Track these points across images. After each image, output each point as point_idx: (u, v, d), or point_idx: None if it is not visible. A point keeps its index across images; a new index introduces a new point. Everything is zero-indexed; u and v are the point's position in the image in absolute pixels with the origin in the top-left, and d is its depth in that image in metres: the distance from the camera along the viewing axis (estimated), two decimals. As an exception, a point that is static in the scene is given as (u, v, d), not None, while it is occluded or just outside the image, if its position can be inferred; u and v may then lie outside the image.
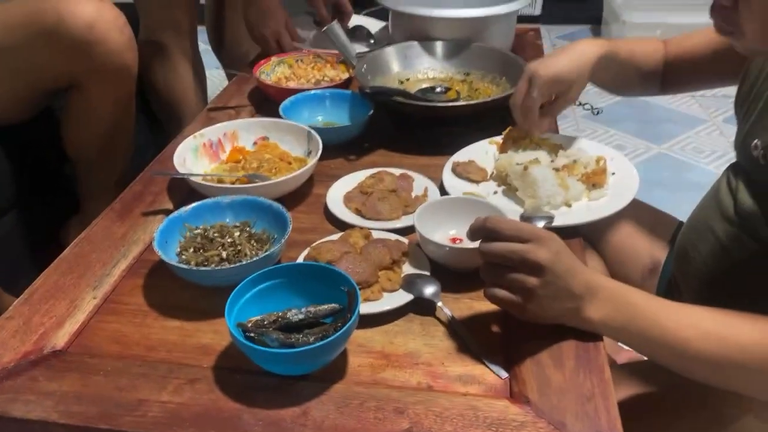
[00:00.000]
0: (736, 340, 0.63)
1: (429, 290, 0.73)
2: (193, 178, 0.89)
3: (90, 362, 0.67)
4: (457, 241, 0.81)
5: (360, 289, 0.70)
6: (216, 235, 0.79)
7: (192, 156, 0.97)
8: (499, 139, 1.01)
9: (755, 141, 0.79)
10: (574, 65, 0.93)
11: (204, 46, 1.76)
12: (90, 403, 0.62)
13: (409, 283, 0.74)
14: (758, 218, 0.77)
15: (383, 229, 0.84)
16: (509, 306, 0.65)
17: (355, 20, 1.49)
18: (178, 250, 0.78)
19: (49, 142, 1.28)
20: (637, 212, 1.10)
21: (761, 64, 0.81)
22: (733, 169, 0.87)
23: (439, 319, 0.71)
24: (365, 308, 0.70)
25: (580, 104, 0.93)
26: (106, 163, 1.30)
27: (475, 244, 0.67)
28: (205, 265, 0.75)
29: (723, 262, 0.83)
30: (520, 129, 0.98)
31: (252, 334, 0.64)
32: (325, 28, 1.25)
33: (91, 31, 1.08)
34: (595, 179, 0.90)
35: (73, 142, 1.26)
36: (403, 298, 0.72)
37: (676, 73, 1.00)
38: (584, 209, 0.87)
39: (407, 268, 0.78)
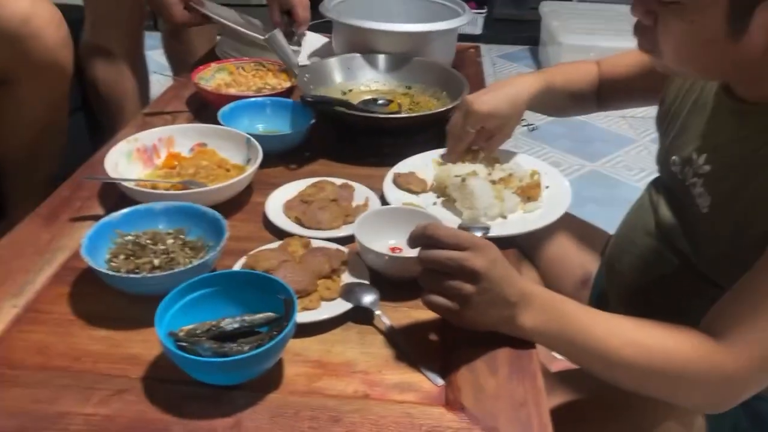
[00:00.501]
0: (657, 348, 0.65)
1: (367, 299, 0.73)
2: (125, 183, 0.86)
3: (8, 374, 0.63)
4: (397, 251, 0.81)
5: (298, 297, 0.70)
6: (148, 242, 0.77)
7: (125, 161, 0.94)
8: (437, 154, 1.03)
9: (674, 157, 0.83)
10: (510, 102, 0.96)
11: (149, 52, 1.71)
12: (6, 417, 0.59)
13: (347, 292, 0.74)
14: (677, 232, 0.81)
15: (323, 238, 0.83)
16: (446, 312, 0.66)
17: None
18: (108, 257, 0.75)
19: None
20: (570, 226, 1.14)
21: (680, 85, 0.86)
22: (655, 185, 0.92)
23: (377, 328, 0.71)
24: (303, 317, 0.69)
25: (529, 125, 0.96)
26: (36, 165, 1.24)
27: (414, 254, 0.68)
28: (136, 273, 0.72)
29: (646, 275, 0.87)
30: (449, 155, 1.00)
31: (184, 344, 0.62)
32: (267, 35, 1.24)
33: (26, 25, 1.05)
34: (529, 192, 0.93)
35: (1, 141, 1.20)
36: (341, 306, 0.72)
37: (610, 92, 1.05)
38: (519, 221, 0.90)
39: (346, 277, 0.77)
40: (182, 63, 1.76)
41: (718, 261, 0.75)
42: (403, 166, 0.99)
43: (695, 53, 0.67)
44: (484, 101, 0.96)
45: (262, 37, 1.29)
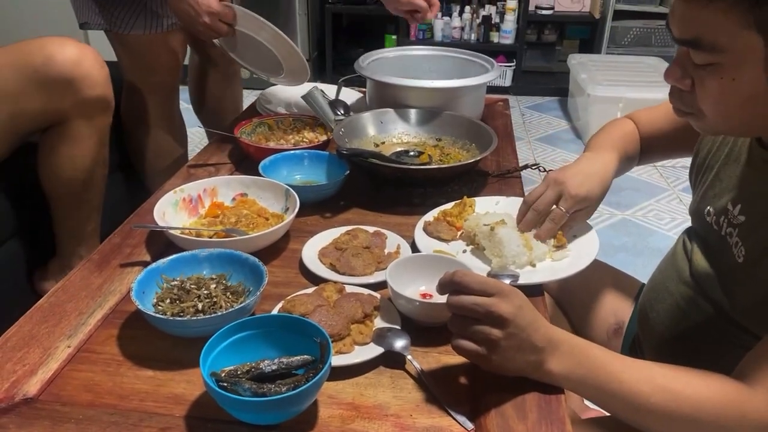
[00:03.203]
0: (688, 395, 0.66)
1: (399, 344, 0.75)
2: (171, 231, 0.92)
3: (61, 410, 0.67)
4: (427, 297, 0.84)
5: (332, 341, 0.72)
6: (192, 286, 0.81)
7: (171, 210, 1.00)
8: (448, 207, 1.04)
9: (708, 208, 0.85)
10: (601, 184, 0.95)
11: (185, 105, 1.81)
12: (59, 451, 0.62)
13: (380, 337, 0.76)
14: (711, 280, 0.82)
15: (356, 284, 0.86)
16: (474, 357, 0.68)
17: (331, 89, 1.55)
18: (155, 300, 0.80)
19: (23, 182, 1.30)
20: (602, 275, 1.15)
21: (713, 137, 0.88)
22: (688, 234, 0.93)
23: (408, 372, 0.73)
24: (337, 360, 0.72)
25: (545, 170, 0.97)
26: (86, 197, 1.33)
27: (445, 300, 0.71)
28: (180, 316, 0.77)
29: (680, 323, 0.87)
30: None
31: (225, 384, 0.65)
32: (305, 93, 1.31)
33: (77, 67, 1.17)
34: (557, 240, 0.95)
35: (55, 178, 1.29)
36: (373, 351, 0.74)
37: (651, 149, 1.06)
38: (548, 269, 0.92)
39: (379, 322, 0.80)
40: (211, 118, 1.87)
41: (754, 310, 0.75)
42: (434, 215, 1.03)
43: (738, 110, 0.67)
44: (580, 184, 0.93)
45: (265, 77, 1.41)
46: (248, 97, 1.84)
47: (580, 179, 0.94)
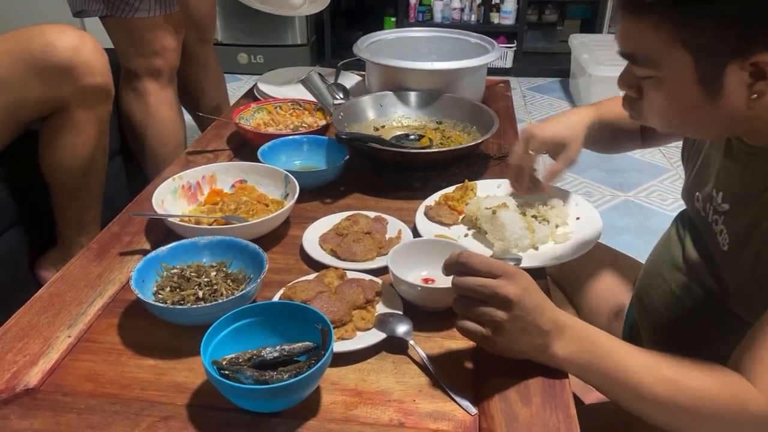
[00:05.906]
0: (689, 386, 0.65)
1: (401, 329, 0.75)
2: (170, 219, 0.91)
3: (62, 400, 0.67)
4: (429, 282, 0.83)
5: (334, 327, 0.72)
6: (193, 274, 0.81)
7: (170, 198, 0.99)
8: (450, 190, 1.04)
9: (697, 193, 0.84)
10: (568, 127, 0.97)
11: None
12: (62, 441, 0.62)
13: (382, 322, 0.76)
14: (702, 266, 0.81)
15: (358, 270, 0.86)
16: (479, 339, 0.67)
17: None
18: (155, 289, 0.79)
19: (24, 171, 1.30)
20: (604, 257, 1.14)
21: None
22: (681, 219, 0.92)
23: (410, 357, 0.73)
24: (339, 346, 0.72)
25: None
26: (87, 185, 1.32)
27: (446, 285, 0.70)
28: (181, 304, 0.76)
29: (675, 309, 0.87)
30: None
31: (226, 372, 0.65)
32: (304, 77, 1.29)
33: (76, 54, 1.17)
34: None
35: (56, 167, 1.28)
36: (376, 336, 0.74)
37: (650, 130, 1.05)
38: (551, 252, 0.91)
39: (380, 308, 0.80)
40: (192, 102, 1.85)
41: (741, 296, 0.75)
42: (435, 199, 1.02)
43: (682, 119, 0.71)
44: (543, 127, 0.97)
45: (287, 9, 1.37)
46: (247, 83, 1.82)
47: (546, 123, 0.98)
